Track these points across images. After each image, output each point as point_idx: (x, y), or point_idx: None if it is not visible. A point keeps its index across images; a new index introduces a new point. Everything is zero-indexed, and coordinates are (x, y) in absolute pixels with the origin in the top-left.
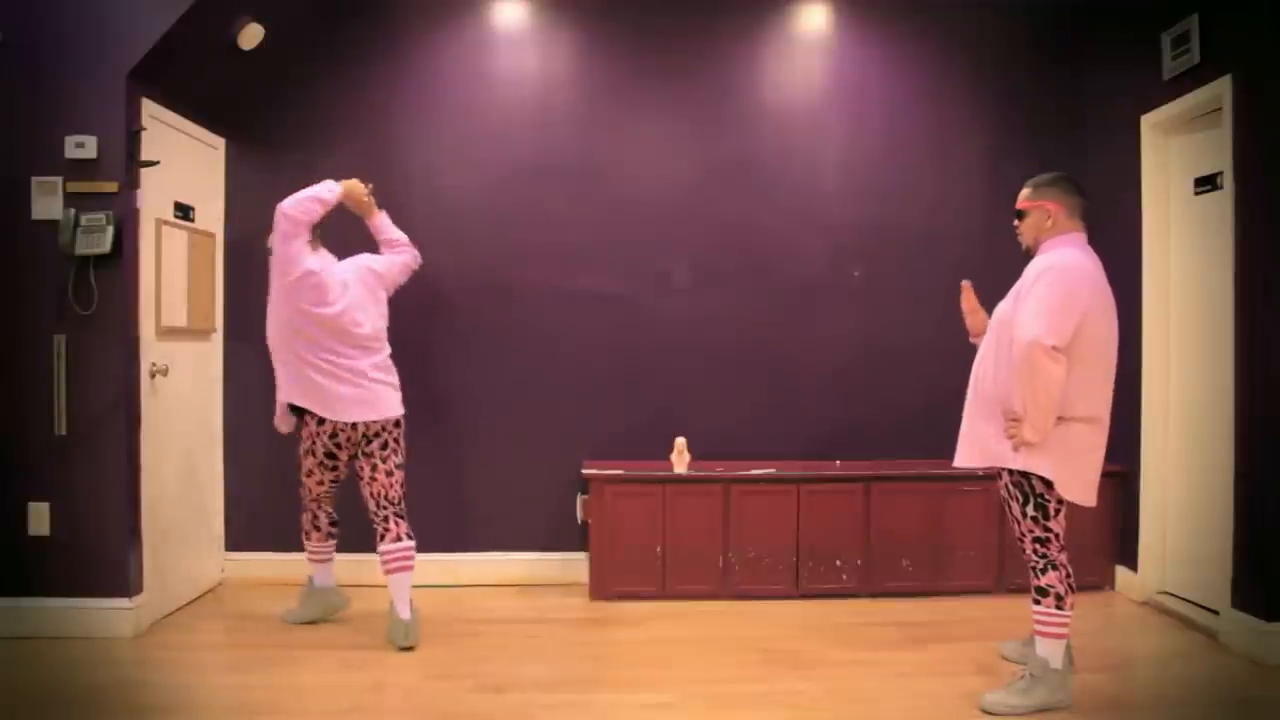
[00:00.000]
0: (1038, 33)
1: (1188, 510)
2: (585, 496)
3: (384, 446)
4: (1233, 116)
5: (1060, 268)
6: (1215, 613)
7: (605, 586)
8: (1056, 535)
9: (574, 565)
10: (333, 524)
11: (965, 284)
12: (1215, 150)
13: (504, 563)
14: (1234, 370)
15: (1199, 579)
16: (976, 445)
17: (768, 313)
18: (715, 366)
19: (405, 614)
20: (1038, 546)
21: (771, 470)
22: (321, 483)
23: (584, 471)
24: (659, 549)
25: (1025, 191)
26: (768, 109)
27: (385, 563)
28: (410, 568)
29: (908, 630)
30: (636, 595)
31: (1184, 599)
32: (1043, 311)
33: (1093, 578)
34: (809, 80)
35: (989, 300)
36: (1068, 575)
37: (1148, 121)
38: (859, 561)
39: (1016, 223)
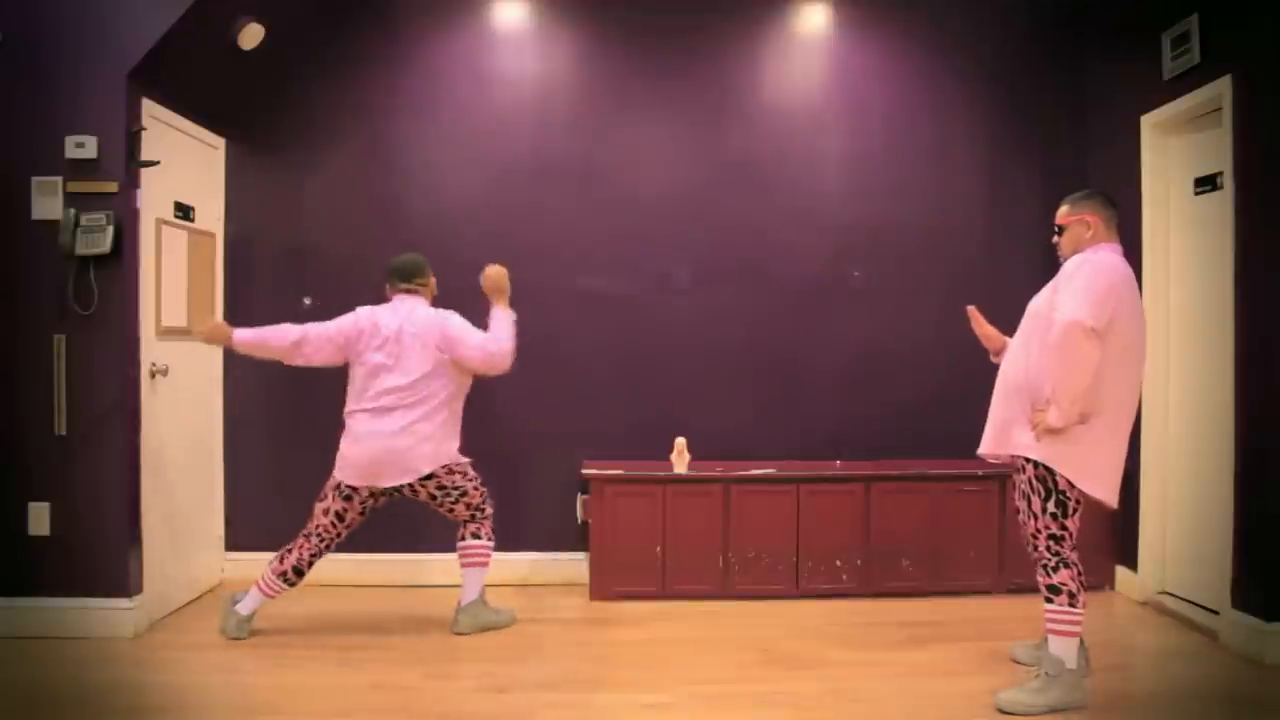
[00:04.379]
0: (1038, 32)
1: (1188, 510)
2: (585, 496)
3: (439, 490)
4: (1233, 116)
5: (1101, 261)
6: (1215, 613)
7: (605, 586)
8: (1070, 534)
9: (574, 565)
10: (296, 572)
11: (971, 309)
12: (1215, 150)
13: (504, 563)
14: (1234, 370)
15: (1199, 579)
16: (1004, 432)
17: (768, 313)
18: (715, 366)
19: (462, 600)
20: (1052, 544)
21: (771, 470)
22: (327, 512)
23: (584, 471)
24: (659, 549)
25: (1064, 209)
26: (768, 109)
27: (458, 556)
28: (474, 564)
29: (908, 630)
30: (636, 595)
31: (1184, 599)
32: (1084, 296)
33: (1093, 578)
34: (809, 80)
35: (988, 294)
36: (1079, 573)
37: (1148, 121)
38: (859, 561)
39: (1056, 239)
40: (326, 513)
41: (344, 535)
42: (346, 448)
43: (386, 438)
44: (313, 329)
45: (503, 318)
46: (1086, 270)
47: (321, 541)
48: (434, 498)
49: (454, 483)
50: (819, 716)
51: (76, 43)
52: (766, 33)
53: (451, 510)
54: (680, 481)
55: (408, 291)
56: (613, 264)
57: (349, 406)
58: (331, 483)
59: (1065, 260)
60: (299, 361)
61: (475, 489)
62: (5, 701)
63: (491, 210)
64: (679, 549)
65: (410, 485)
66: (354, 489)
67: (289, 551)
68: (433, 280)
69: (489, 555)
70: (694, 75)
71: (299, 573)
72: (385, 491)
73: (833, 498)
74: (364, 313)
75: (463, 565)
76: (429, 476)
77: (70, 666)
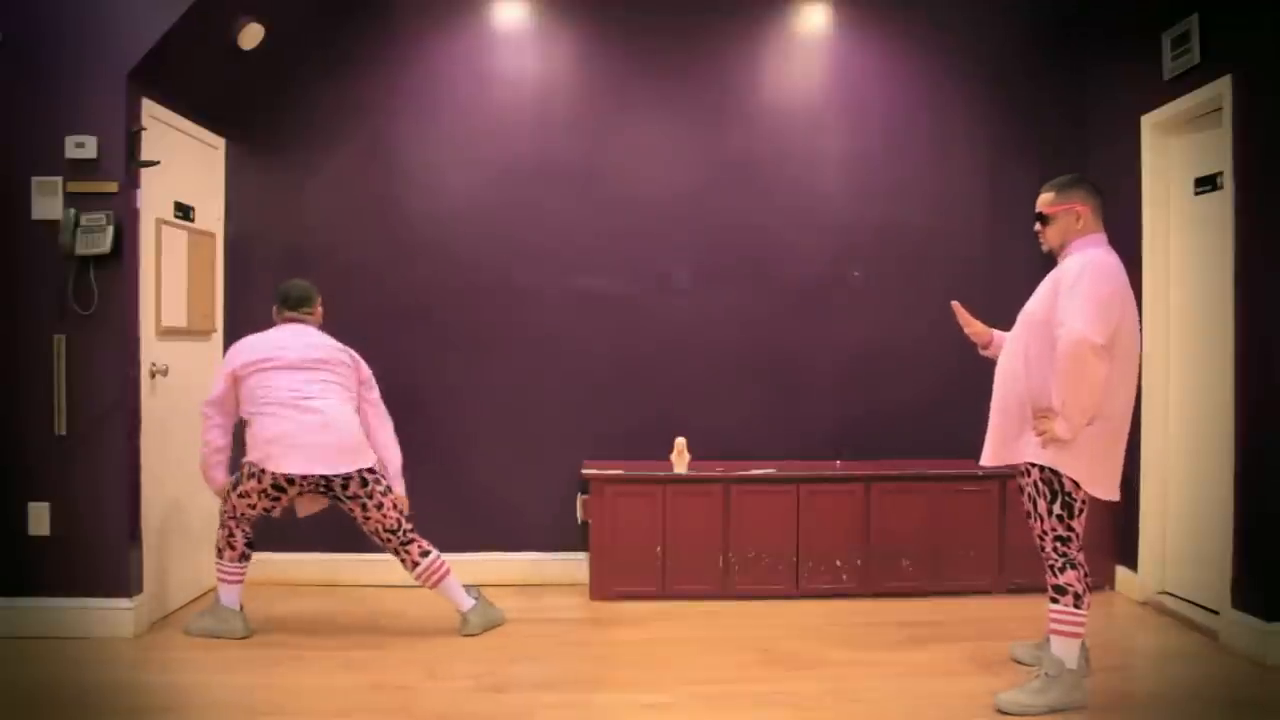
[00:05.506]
0: (1038, 32)
1: (1188, 510)
2: (585, 496)
3: (370, 474)
4: (1233, 116)
5: (1100, 266)
6: (1215, 613)
7: (605, 586)
8: (1077, 534)
9: (574, 565)
10: (248, 545)
11: (955, 305)
12: (1215, 150)
13: (504, 563)
14: (1234, 370)
15: (1199, 579)
16: (1006, 445)
17: (768, 313)
18: (715, 366)
19: (462, 607)
20: (1059, 545)
21: (771, 470)
22: (254, 507)
23: (584, 471)
24: (659, 549)
25: (1048, 195)
26: (768, 109)
27: (422, 584)
28: (443, 577)
29: (908, 630)
30: (636, 595)
31: (1184, 599)
32: (1090, 309)
33: (1093, 578)
34: (809, 80)
35: (989, 295)
36: (1085, 574)
37: (1148, 121)
38: (859, 561)
39: (1039, 227)
40: (253, 507)
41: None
42: (285, 438)
43: (340, 421)
44: (217, 417)
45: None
46: (1088, 278)
47: (252, 525)
48: (365, 483)
49: (376, 478)
50: (819, 716)
51: (76, 43)
52: (766, 33)
53: (380, 507)
54: (680, 481)
55: (296, 320)
56: (613, 264)
57: (276, 410)
58: (255, 485)
59: (1049, 249)
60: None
61: (387, 493)
62: (5, 701)
63: (491, 210)
64: (679, 549)
65: (342, 478)
66: (282, 491)
67: (230, 539)
68: (319, 310)
69: (445, 561)
70: (694, 75)
71: (251, 546)
72: (315, 485)
73: (833, 498)
74: (241, 348)
75: (434, 586)
76: (348, 478)
77: (70, 666)
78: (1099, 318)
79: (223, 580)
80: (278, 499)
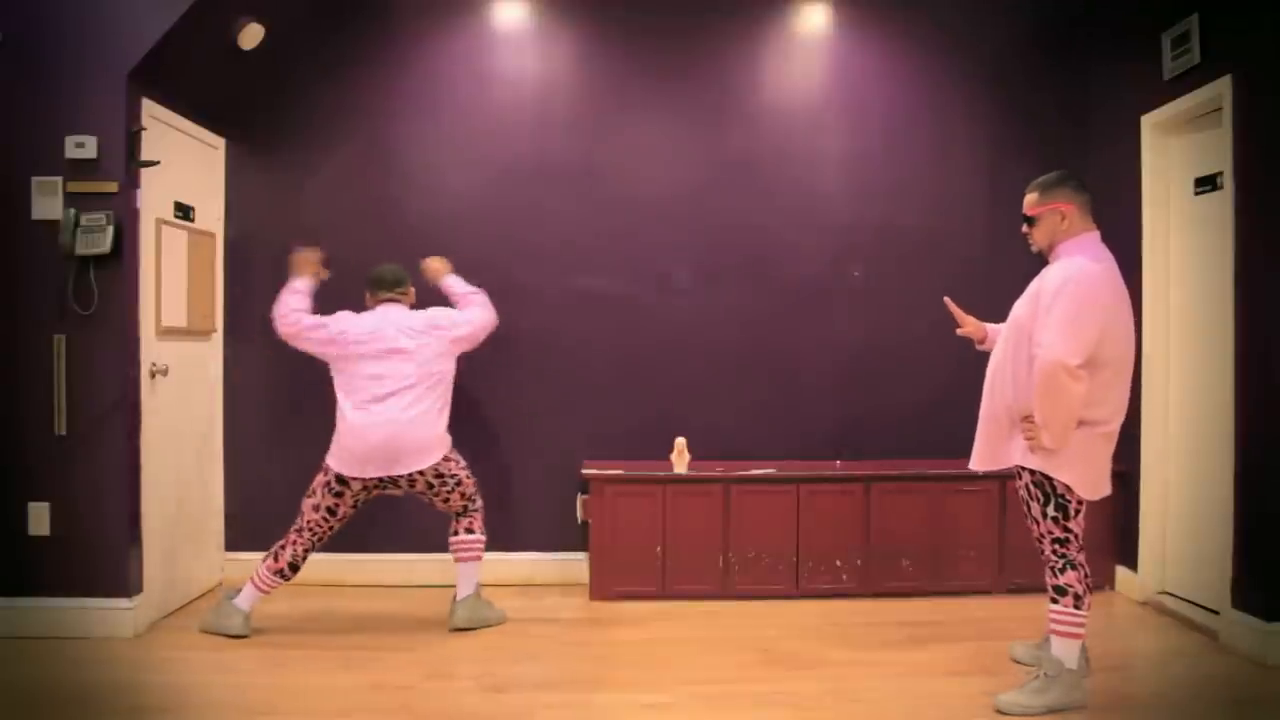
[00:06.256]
0: (1038, 32)
1: (1188, 510)
2: (585, 496)
3: (436, 478)
4: (1233, 116)
5: (1081, 279)
6: (1215, 613)
7: (605, 586)
8: (1076, 535)
9: (574, 565)
10: (292, 568)
11: (947, 300)
12: (1215, 150)
13: (504, 563)
14: (1234, 370)
15: (1199, 579)
16: (995, 449)
17: (768, 313)
18: (715, 366)
19: (459, 593)
20: (1057, 547)
21: (771, 470)
22: (318, 508)
23: (584, 471)
24: (659, 549)
25: (1032, 196)
26: (768, 109)
27: (451, 553)
28: (467, 559)
29: (908, 630)
30: (636, 595)
31: (1184, 599)
32: (1066, 329)
33: (1093, 578)
34: (809, 80)
35: (988, 295)
36: (1086, 575)
37: (1148, 121)
38: (859, 561)
39: (1026, 229)
40: (317, 509)
41: (336, 529)
42: (350, 441)
43: (400, 426)
44: (312, 330)
45: (455, 281)
46: (1066, 296)
47: (314, 536)
48: (430, 486)
49: (450, 470)
50: (819, 716)
51: (77, 43)
52: (766, 33)
53: (446, 500)
54: (680, 481)
55: (391, 300)
56: (613, 264)
57: (345, 403)
58: (321, 479)
59: (1038, 250)
60: (291, 340)
61: (467, 476)
62: (5, 701)
63: (491, 211)
64: (679, 549)
65: (409, 475)
66: (345, 485)
67: (282, 548)
68: (412, 290)
69: (482, 549)
70: (694, 75)
71: (294, 568)
72: (379, 484)
73: (833, 498)
74: (349, 318)
75: (457, 560)
76: (416, 476)
77: (70, 666)
78: (1075, 339)
79: (251, 581)
80: (341, 495)
